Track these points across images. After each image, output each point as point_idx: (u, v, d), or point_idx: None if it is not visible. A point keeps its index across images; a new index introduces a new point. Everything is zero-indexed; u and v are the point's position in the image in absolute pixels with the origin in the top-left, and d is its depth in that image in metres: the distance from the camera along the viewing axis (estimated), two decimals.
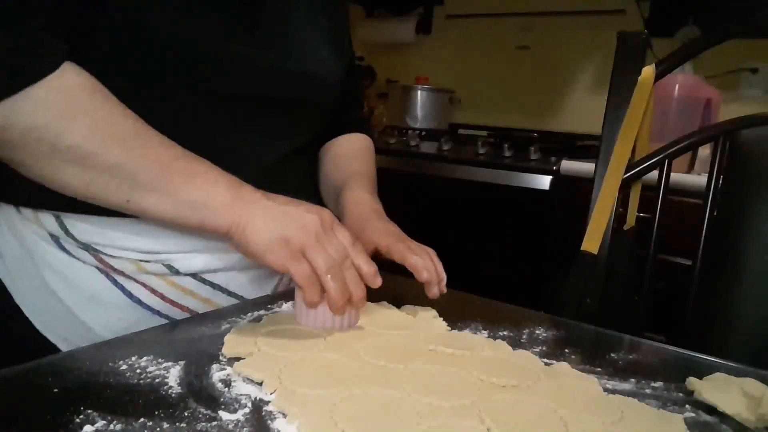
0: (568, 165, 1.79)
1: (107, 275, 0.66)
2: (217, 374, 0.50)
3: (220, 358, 0.53)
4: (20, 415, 0.42)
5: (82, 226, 0.65)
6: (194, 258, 0.67)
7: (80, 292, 0.66)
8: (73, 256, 0.66)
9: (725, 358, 0.61)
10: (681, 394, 0.53)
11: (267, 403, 0.46)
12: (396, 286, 0.79)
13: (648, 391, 0.53)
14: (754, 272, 0.85)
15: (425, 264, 0.67)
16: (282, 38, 0.70)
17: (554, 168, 1.79)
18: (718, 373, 0.53)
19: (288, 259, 0.56)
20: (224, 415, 0.44)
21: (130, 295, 0.67)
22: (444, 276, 0.69)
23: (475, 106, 2.58)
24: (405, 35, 2.65)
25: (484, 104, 2.57)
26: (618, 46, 0.96)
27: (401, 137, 2.19)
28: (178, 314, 0.68)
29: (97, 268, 0.66)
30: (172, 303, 0.68)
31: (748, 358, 0.61)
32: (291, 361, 0.52)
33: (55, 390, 0.45)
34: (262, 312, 0.64)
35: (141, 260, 0.66)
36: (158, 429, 0.41)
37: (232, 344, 0.55)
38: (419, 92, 2.48)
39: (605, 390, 0.52)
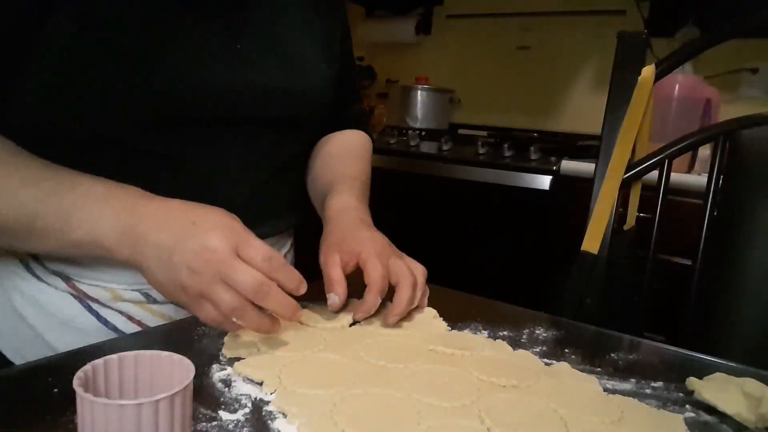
0: (568, 165, 1.79)
1: (81, 301, 0.63)
2: (217, 374, 0.50)
3: (220, 358, 0.53)
4: (20, 415, 0.42)
5: (54, 256, 0.61)
6: None
7: (51, 318, 0.63)
8: (44, 282, 0.63)
9: (725, 358, 0.61)
10: (681, 394, 0.53)
11: (267, 403, 0.46)
12: None
13: (648, 391, 0.53)
14: (754, 272, 0.85)
15: (373, 301, 0.60)
16: (265, 52, 0.65)
17: (554, 168, 1.79)
18: (718, 373, 0.53)
19: (189, 304, 0.51)
20: (224, 415, 0.44)
21: (105, 322, 0.63)
22: (416, 300, 0.62)
23: (475, 106, 2.58)
24: (405, 35, 2.65)
25: (484, 104, 2.57)
26: (618, 46, 0.96)
27: (401, 137, 2.19)
28: None
29: (69, 293, 0.63)
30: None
31: (748, 358, 0.61)
32: (291, 361, 0.52)
33: (55, 390, 0.45)
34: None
35: (116, 288, 0.63)
36: None
37: (232, 344, 0.55)
38: (419, 92, 2.48)
39: (605, 390, 0.52)
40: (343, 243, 0.64)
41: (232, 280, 0.49)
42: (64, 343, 0.63)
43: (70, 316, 0.63)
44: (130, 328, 0.64)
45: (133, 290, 0.64)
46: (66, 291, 0.63)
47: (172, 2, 0.58)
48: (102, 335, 0.63)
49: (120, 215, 0.52)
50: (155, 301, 0.65)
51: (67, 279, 0.63)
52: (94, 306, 0.63)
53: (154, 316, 0.65)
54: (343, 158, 0.82)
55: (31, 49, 0.54)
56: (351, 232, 0.66)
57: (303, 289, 0.53)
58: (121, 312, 0.64)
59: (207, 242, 0.50)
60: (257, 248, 0.50)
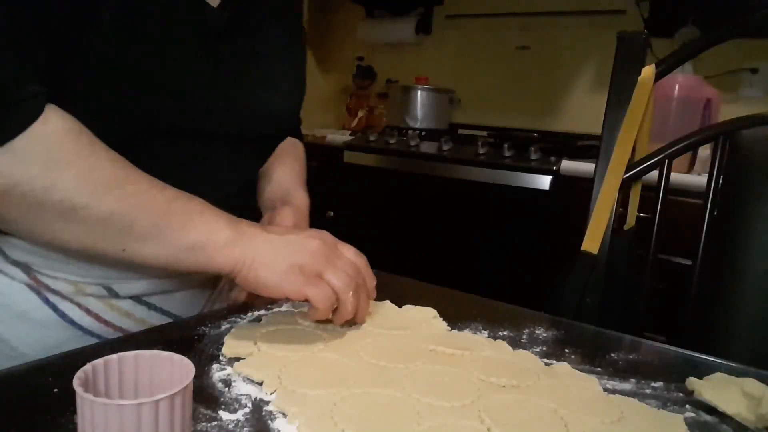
0: (568, 165, 1.79)
1: (38, 293, 0.63)
2: (217, 374, 0.50)
3: (220, 358, 0.53)
4: (20, 415, 0.42)
5: (18, 244, 0.61)
6: (135, 282, 0.66)
7: (5, 309, 0.62)
8: (1, 272, 0.62)
9: (725, 358, 0.61)
10: (681, 394, 0.53)
11: (267, 403, 0.46)
12: (396, 286, 0.79)
13: (648, 391, 0.53)
14: (754, 272, 0.85)
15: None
16: (247, 75, 0.68)
17: (554, 168, 1.79)
18: (718, 373, 0.53)
19: (304, 285, 0.56)
20: (224, 415, 0.44)
21: (63, 315, 0.63)
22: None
23: (475, 106, 2.58)
24: (405, 35, 2.65)
25: (484, 104, 2.57)
26: (618, 46, 0.96)
27: (401, 137, 2.19)
28: (111, 334, 0.65)
29: (27, 285, 0.62)
30: (107, 323, 0.65)
31: (748, 358, 0.61)
32: (291, 361, 0.52)
33: (55, 390, 0.45)
34: (262, 312, 0.64)
35: (80, 282, 0.63)
36: None
37: (232, 344, 0.55)
38: (419, 92, 2.48)
39: (605, 390, 0.52)
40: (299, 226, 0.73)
41: (340, 264, 0.59)
42: (18, 335, 0.62)
43: (26, 308, 0.63)
44: (87, 321, 0.64)
45: (96, 284, 0.64)
46: (24, 282, 0.63)
47: (171, 27, 0.59)
48: (58, 328, 0.63)
49: (231, 220, 0.58)
50: (117, 296, 0.65)
51: (28, 270, 0.62)
52: (52, 298, 0.63)
53: (111, 311, 0.65)
54: (295, 162, 0.87)
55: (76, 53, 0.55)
56: (304, 222, 0.75)
57: (374, 294, 0.63)
58: (79, 305, 0.64)
59: (317, 234, 0.60)
60: (349, 247, 0.62)
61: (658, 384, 0.54)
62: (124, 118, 0.59)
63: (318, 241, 0.59)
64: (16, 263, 0.62)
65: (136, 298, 0.67)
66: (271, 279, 0.56)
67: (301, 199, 0.78)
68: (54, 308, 0.63)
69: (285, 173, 0.82)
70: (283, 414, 0.44)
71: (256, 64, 0.69)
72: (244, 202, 0.77)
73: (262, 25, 0.70)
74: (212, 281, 0.76)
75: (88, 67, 0.56)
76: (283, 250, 0.57)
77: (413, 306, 0.68)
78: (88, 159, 0.53)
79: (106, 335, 0.65)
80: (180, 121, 0.62)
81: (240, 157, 0.72)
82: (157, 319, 0.68)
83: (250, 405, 0.45)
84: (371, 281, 0.63)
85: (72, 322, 0.64)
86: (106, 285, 0.65)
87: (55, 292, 0.63)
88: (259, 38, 0.69)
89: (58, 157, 0.51)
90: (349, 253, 0.61)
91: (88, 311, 0.64)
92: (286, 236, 0.59)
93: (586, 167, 1.73)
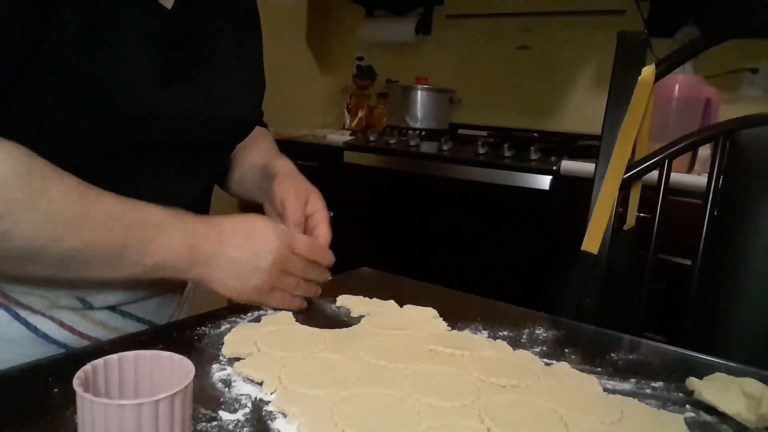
0: (568, 165, 1.79)
1: (7, 309, 0.61)
2: (217, 374, 0.50)
3: (220, 358, 0.53)
4: (20, 415, 0.42)
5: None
6: (111, 293, 0.65)
7: None
8: None
9: (725, 358, 0.61)
10: (681, 394, 0.53)
11: (267, 403, 0.46)
12: (396, 286, 0.79)
13: (648, 391, 0.53)
14: (754, 272, 0.85)
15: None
16: (205, 80, 0.65)
17: (554, 168, 1.79)
18: (718, 373, 0.53)
19: (262, 298, 0.63)
20: (224, 415, 0.44)
21: (35, 330, 0.62)
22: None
23: (475, 106, 2.58)
24: (405, 35, 2.65)
25: (484, 104, 2.57)
26: (618, 46, 0.96)
27: (401, 137, 2.19)
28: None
29: None
30: (81, 335, 0.64)
31: (748, 358, 0.61)
32: (291, 361, 0.52)
33: (55, 390, 0.45)
34: (261, 312, 0.64)
35: (54, 296, 0.62)
36: None
37: (232, 344, 0.55)
38: (419, 92, 2.48)
39: (605, 390, 0.52)
40: (299, 188, 0.76)
41: (291, 270, 0.65)
42: None
43: None
44: (62, 335, 0.63)
45: (71, 297, 0.63)
46: None
47: (129, 31, 0.56)
48: (31, 344, 0.61)
49: (188, 239, 0.59)
50: (91, 307, 0.64)
51: None
52: (23, 314, 0.62)
53: (85, 322, 0.64)
54: (268, 141, 0.89)
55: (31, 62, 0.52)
56: (301, 181, 0.79)
57: (332, 261, 0.71)
58: (53, 319, 0.62)
59: (269, 246, 0.62)
60: (302, 241, 0.66)
61: (658, 384, 0.54)
62: (80, 134, 0.56)
63: (271, 256, 0.62)
64: None
65: (111, 308, 0.66)
66: (231, 294, 0.62)
67: (283, 165, 0.79)
68: (25, 324, 0.62)
69: (256, 153, 0.84)
70: (283, 414, 0.44)
71: (213, 68, 0.66)
72: (206, 207, 0.77)
73: (216, 27, 0.67)
74: (181, 286, 0.75)
75: (46, 78, 0.53)
76: (239, 272, 0.61)
77: (413, 306, 0.68)
78: (41, 200, 0.50)
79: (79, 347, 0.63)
80: (137, 131, 0.59)
81: (194, 167, 0.70)
82: (131, 327, 0.67)
83: (250, 405, 0.45)
84: (326, 261, 0.69)
85: (45, 337, 0.62)
86: (81, 297, 0.63)
87: (26, 307, 0.61)
88: (215, 41, 0.67)
89: (12, 203, 0.49)
90: (299, 247, 0.65)
91: (62, 324, 0.63)
92: (241, 255, 0.61)
93: (586, 167, 1.73)
